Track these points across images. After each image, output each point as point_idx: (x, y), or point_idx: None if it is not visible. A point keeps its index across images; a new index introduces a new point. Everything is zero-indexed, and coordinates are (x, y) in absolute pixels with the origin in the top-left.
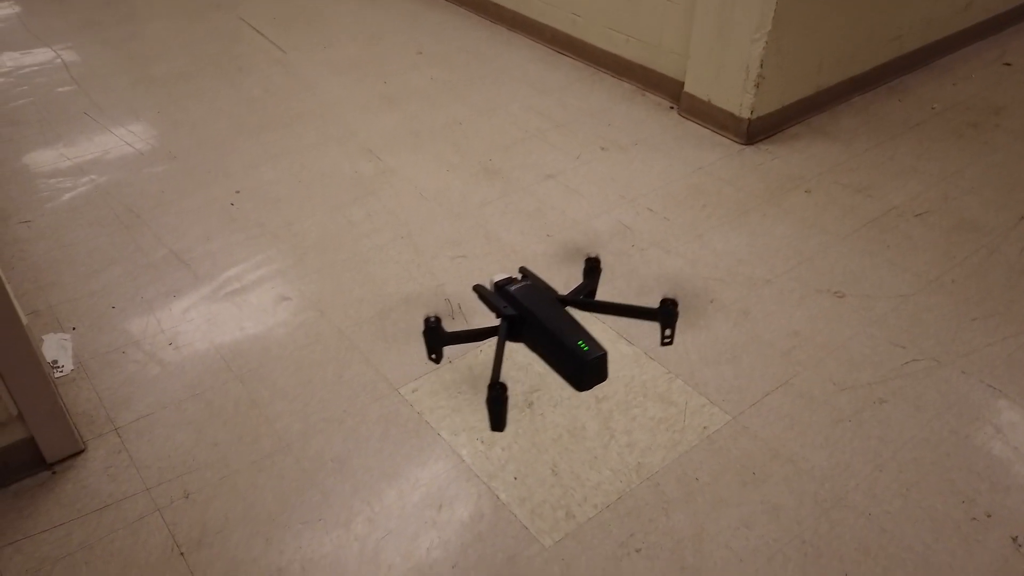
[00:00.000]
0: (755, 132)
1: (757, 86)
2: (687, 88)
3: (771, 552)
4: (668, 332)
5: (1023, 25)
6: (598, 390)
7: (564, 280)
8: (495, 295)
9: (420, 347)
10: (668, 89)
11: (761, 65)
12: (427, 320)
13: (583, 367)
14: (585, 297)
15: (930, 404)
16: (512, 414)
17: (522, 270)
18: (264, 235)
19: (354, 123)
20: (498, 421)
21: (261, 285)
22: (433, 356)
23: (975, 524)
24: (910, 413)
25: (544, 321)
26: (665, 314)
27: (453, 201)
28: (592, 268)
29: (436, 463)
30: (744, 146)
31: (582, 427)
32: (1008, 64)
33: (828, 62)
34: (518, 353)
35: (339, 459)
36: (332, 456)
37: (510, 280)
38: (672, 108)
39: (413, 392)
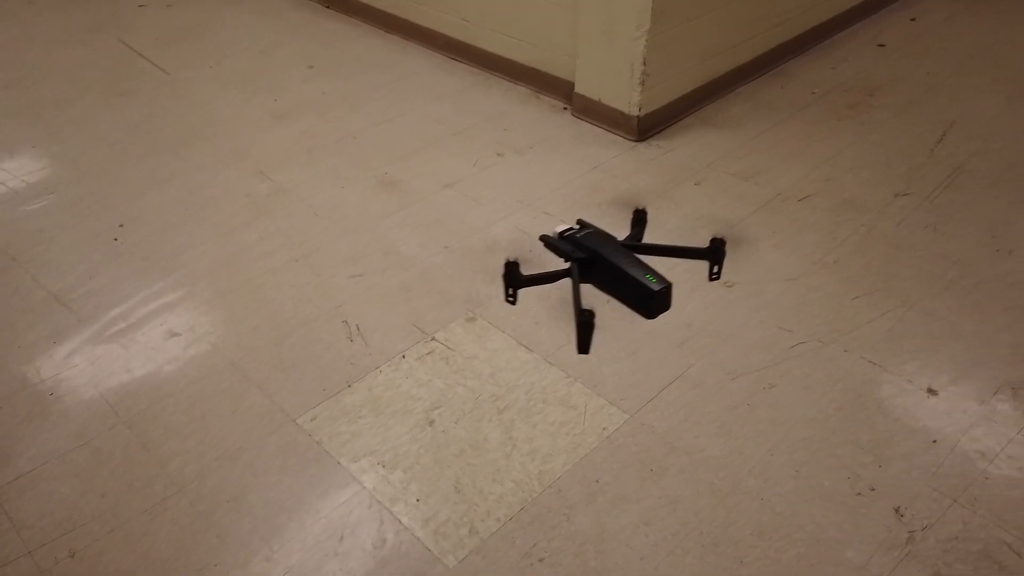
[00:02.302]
0: (646, 128)
1: (643, 83)
2: (578, 89)
3: (671, 547)
4: (716, 269)
5: (895, 6)
6: (498, 400)
7: (465, 290)
8: (563, 243)
9: (319, 372)
10: (561, 90)
11: (644, 63)
12: (507, 263)
13: (652, 297)
14: (638, 242)
15: (817, 384)
16: (413, 433)
17: (579, 221)
18: (151, 267)
19: (244, 142)
20: (585, 344)
21: (149, 322)
22: (511, 298)
23: (860, 499)
24: (799, 394)
25: (613, 260)
26: (715, 252)
27: (349, 217)
28: (640, 218)
29: (337, 492)
30: (636, 142)
31: (484, 439)
32: (882, 45)
33: (712, 53)
34: (419, 370)
35: (236, 497)
36: (228, 495)
37: (572, 229)
38: (566, 109)
39: (312, 420)
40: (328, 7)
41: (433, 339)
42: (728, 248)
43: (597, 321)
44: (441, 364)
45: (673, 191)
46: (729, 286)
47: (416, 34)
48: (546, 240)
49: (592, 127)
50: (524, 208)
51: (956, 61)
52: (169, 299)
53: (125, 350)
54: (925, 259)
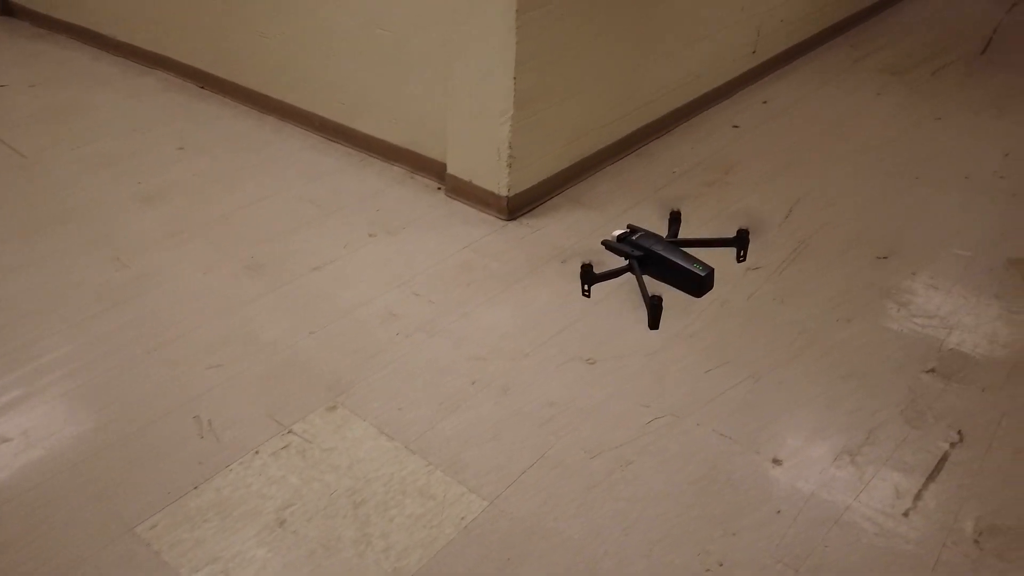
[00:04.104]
0: (516, 207)
1: (510, 165)
2: (450, 170)
3: None
4: (743, 253)
5: (748, 90)
6: (354, 495)
7: (328, 377)
8: (622, 244)
9: (164, 474)
10: (435, 171)
11: (510, 146)
12: (583, 265)
13: (702, 281)
14: (677, 238)
15: (672, 459)
16: (261, 535)
17: (629, 225)
18: None
19: (106, 227)
20: (656, 322)
21: None
22: (586, 293)
23: (709, 575)
24: (655, 470)
25: (664, 254)
26: (740, 240)
27: (211, 304)
28: (676, 218)
29: None
30: (507, 221)
31: (337, 538)
32: (736, 126)
33: (578, 135)
34: (272, 466)
35: None
36: None
37: (626, 233)
38: (439, 189)
39: (151, 529)
40: (202, 88)
41: (290, 431)
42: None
43: (465, 404)
44: (297, 458)
45: (542, 269)
46: (591, 363)
47: (291, 115)
48: (607, 244)
49: (464, 207)
50: (394, 289)
51: (805, 139)
52: (9, 398)
53: None
54: (773, 330)
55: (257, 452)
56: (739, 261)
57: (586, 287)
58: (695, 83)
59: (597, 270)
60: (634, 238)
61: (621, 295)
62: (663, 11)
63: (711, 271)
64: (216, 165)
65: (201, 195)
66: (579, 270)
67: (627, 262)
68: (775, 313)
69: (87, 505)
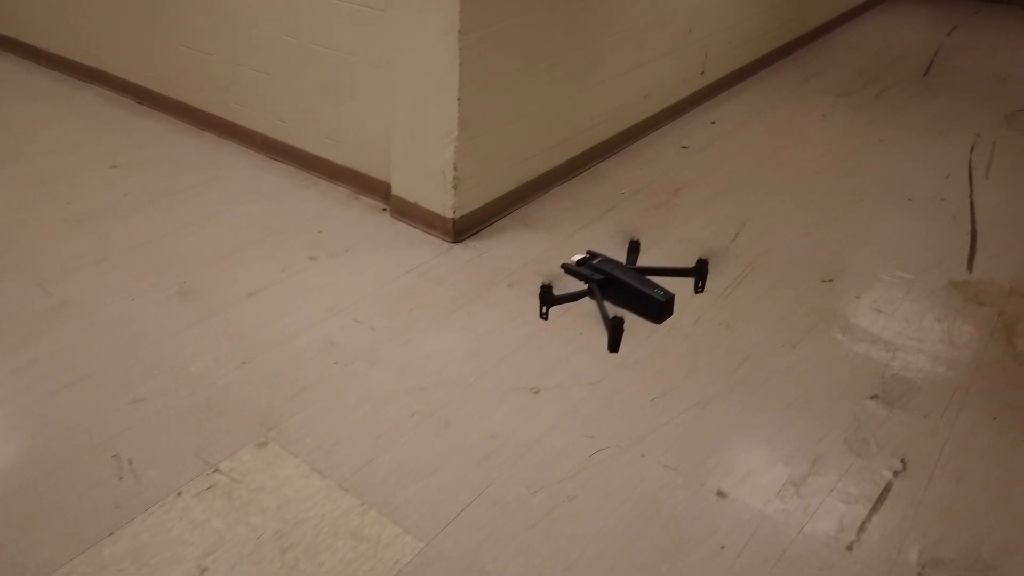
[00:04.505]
0: (462, 230)
1: (455, 187)
2: (395, 191)
3: None
4: (701, 283)
5: (698, 110)
6: (282, 539)
7: (260, 411)
8: (582, 268)
9: (77, 519)
10: (380, 191)
11: (455, 168)
12: (542, 286)
13: (661, 307)
14: (635, 267)
15: (615, 493)
16: None
17: (589, 251)
18: None
19: (28, 252)
20: (616, 345)
21: None
22: (544, 314)
23: None
24: (597, 505)
25: (625, 280)
26: (699, 271)
27: (138, 333)
28: (634, 247)
29: None
30: (454, 244)
31: None
32: (685, 147)
33: (525, 157)
34: (196, 509)
35: None
36: None
37: (586, 258)
38: (385, 210)
39: None
40: (140, 103)
41: (216, 470)
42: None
43: (404, 437)
44: (222, 500)
45: (487, 293)
46: (535, 391)
47: (232, 132)
48: (567, 267)
49: (410, 228)
50: (332, 316)
51: (752, 160)
52: None
53: None
54: (719, 356)
55: (180, 493)
56: (697, 292)
57: (544, 309)
58: (644, 104)
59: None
60: (594, 263)
61: (567, 321)
62: (607, 33)
63: (671, 297)
64: (151, 185)
65: (133, 217)
66: (527, 293)
67: (586, 286)
68: (721, 339)
69: None
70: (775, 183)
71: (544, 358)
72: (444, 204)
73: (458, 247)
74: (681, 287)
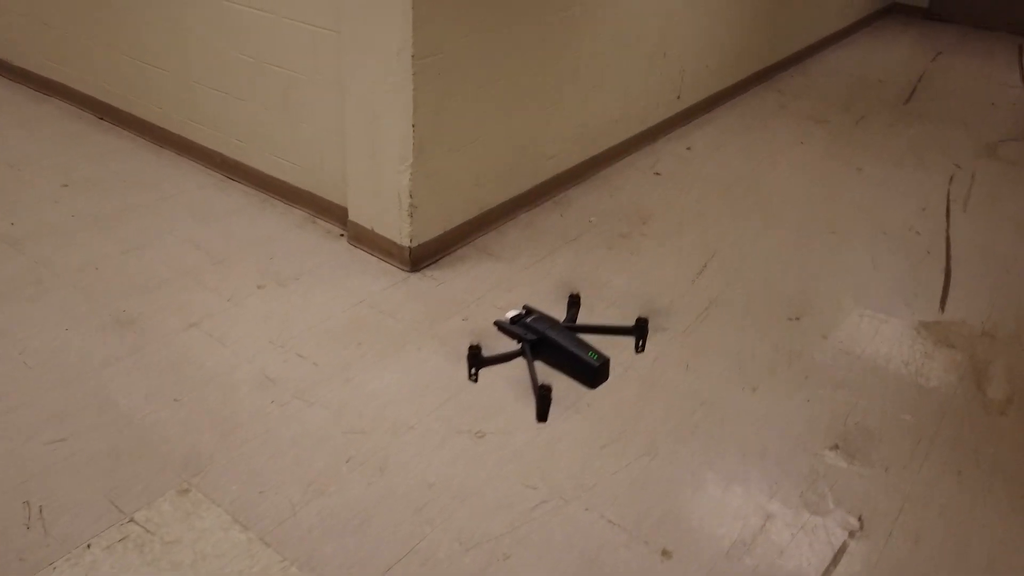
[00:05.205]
0: (419, 258)
1: (411, 215)
2: (351, 217)
3: None
4: (641, 343)
5: (673, 135)
6: None
7: (187, 453)
8: (515, 326)
9: None
10: (338, 216)
11: (411, 195)
12: (470, 347)
13: (595, 371)
14: (574, 323)
15: (554, 550)
16: None
17: (525, 306)
18: None
19: None
20: (544, 414)
21: None
22: (473, 377)
23: None
24: (534, 565)
25: (558, 340)
26: (639, 329)
27: (66, 365)
28: (574, 301)
29: None
30: (410, 273)
31: None
32: (658, 174)
33: (487, 183)
34: (104, 564)
35: None
36: None
37: (521, 315)
38: (342, 236)
39: None
40: (101, 119)
41: (131, 520)
42: (649, 326)
43: (335, 485)
44: (133, 554)
45: (439, 327)
46: (480, 436)
47: (190, 150)
48: (499, 325)
49: (366, 256)
50: (275, 350)
51: (722, 188)
52: None
53: None
54: (675, 399)
55: (89, 546)
56: (637, 351)
57: (473, 371)
58: (615, 128)
59: (488, 352)
60: (528, 320)
61: (518, 363)
62: (572, 55)
63: (606, 361)
64: (100, 204)
65: (76, 238)
66: (481, 327)
67: (519, 345)
68: (678, 380)
69: None
70: (746, 211)
71: (491, 398)
72: (400, 232)
73: (415, 276)
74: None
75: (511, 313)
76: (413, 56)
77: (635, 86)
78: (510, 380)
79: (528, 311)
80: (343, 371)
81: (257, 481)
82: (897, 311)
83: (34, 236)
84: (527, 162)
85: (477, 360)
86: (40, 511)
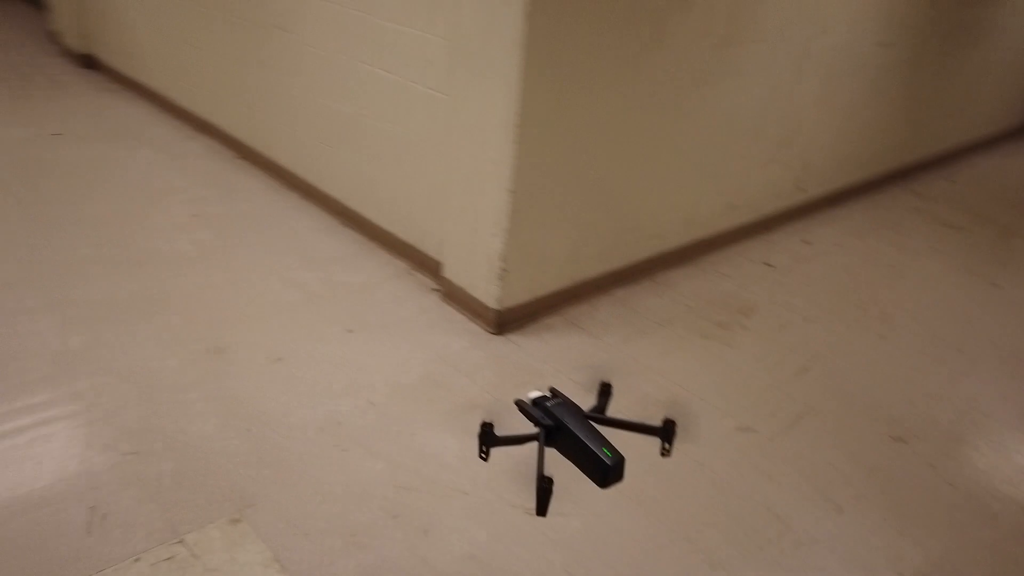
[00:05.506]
0: (505, 322)
1: (501, 278)
2: (445, 273)
3: None
4: (667, 446)
5: (788, 228)
6: None
7: (245, 485)
8: (534, 408)
9: (32, 567)
10: (434, 271)
11: (503, 259)
12: (483, 424)
13: (607, 470)
14: (601, 414)
15: None
16: None
17: (552, 389)
18: None
19: (78, 288)
20: (543, 509)
21: None
22: (483, 455)
23: None
24: None
25: (574, 431)
26: (666, 431)
27: (155, 385)
28: (605, 390)
29: None
30: (494, 335)
31: None
32: (770, 265)
33: (583, 255)
34: None
35: None
36: None
37: (545, 397)
38: (436, 290)
39: None
40: (240, 158)
41: (181, 541)
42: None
43: (377, 541)
44: (175, 575)
45: (511, 394)
46: (531, 514)
47: (313, 194)
48: (520, 404)
49: (455, 313)
50: (350, 394)
51: (839, 289)
52: None
53: None
54: (748, 508)
55: (138, 559)
56: (663, 455)
57: (484, 449)
58: (726, 214)
59: (507, 431)
60: (549, 404)
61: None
62: (686, 137)
63: (621, 460)
64: (220, 237)
65: (195, 266)
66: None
67: (536, 429)
68: (757, 489)
69: None
70: (862, 317)
71: (556, 478)
72: (489, 294)
73: (498, 339)
74: (720, 420)
75: (534, 393)
76: (517, 125)
77: (752, 173)
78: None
79: (554, 394)
80: (409, 425)
81: (304, 523)
82: (1018, 447)
83: (155, 259)
84: (628, 238)
85: (488, 438)
86: (103, 518)
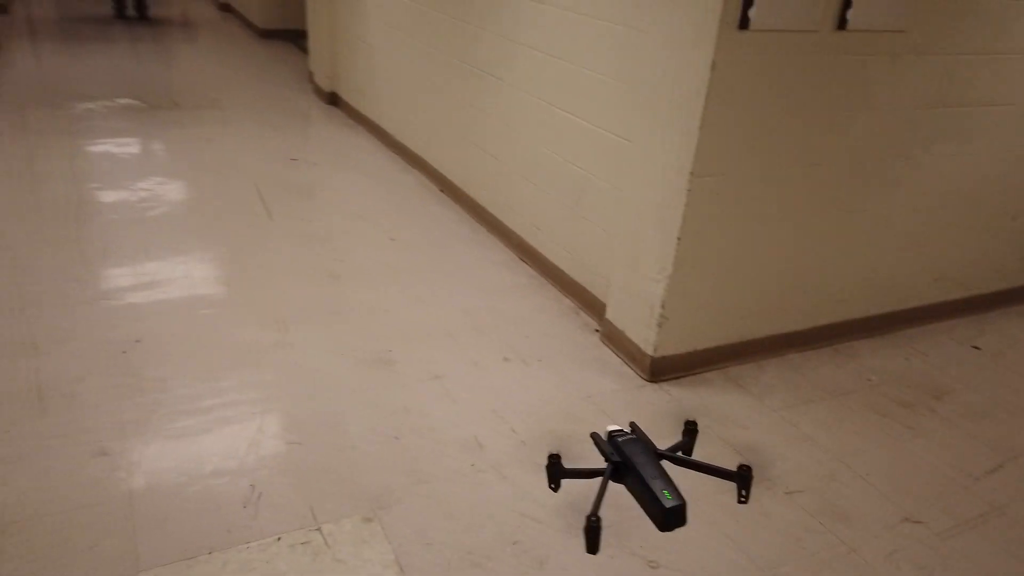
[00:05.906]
0: (660, 370)
1: (660, 325)
2: (607, 315)
3: None
4: (744, 492)
5: (1006, 310)
6: None
7: (382, 487)
8: (606, 443)
9: (193, 530)
10: (599, 312)
11: (663, 306)
12: (550, 456)
13: (665, 513)
14: (679, 454)
15: None
16: None
17: (631, 424)
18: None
19: (281, 290)
20: (593, 546)
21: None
22: (553, 486)
23: None
24: None
25: (640, 469)
26: (742, 477)
27: (326, 385)
28: (690, 430)
29: None
30: (647, 382)
31: None
32: (977, 348)
33: (751, 311)
34: (283, 559)
35: None
36: None
37: (620, 432)
38: (597, 331)
39: None
40: (442, 191)
41: (318, 529)
42: (754, 474)
43: (492, 563)
44: (307, 559)
45: (656, 444)
46: (653, 566)
47: (498, 229)
48: (595, 438)
49: (612, 355)
50: (493, 420)
51: None
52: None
53: None
54: None
55: (279, 539)
56: (740, 502)
57: (553, 480)
58: (932, 287)
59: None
60: (621, 439)
61: (728, 502)
62: (882, 205)
63: (682, 504)
64: (409, 261)
65: (380, 283)
66: (696, 454)
67: (606, 464)
68: None
69: (109, 539)
70: None
71: (676, 537)
72: (646, 340)
73: (650, 387)
74: (880, 505)
75: (612, 427)
76: (691, 173)
77: (966, 247)
78: (707, 513)
79: (633, 429)
80: (544, 457)
81: (429, 533)
82: None
83: (350, 275)
84: (807, 300)
85: (556, 470)
86: (259, 497)
